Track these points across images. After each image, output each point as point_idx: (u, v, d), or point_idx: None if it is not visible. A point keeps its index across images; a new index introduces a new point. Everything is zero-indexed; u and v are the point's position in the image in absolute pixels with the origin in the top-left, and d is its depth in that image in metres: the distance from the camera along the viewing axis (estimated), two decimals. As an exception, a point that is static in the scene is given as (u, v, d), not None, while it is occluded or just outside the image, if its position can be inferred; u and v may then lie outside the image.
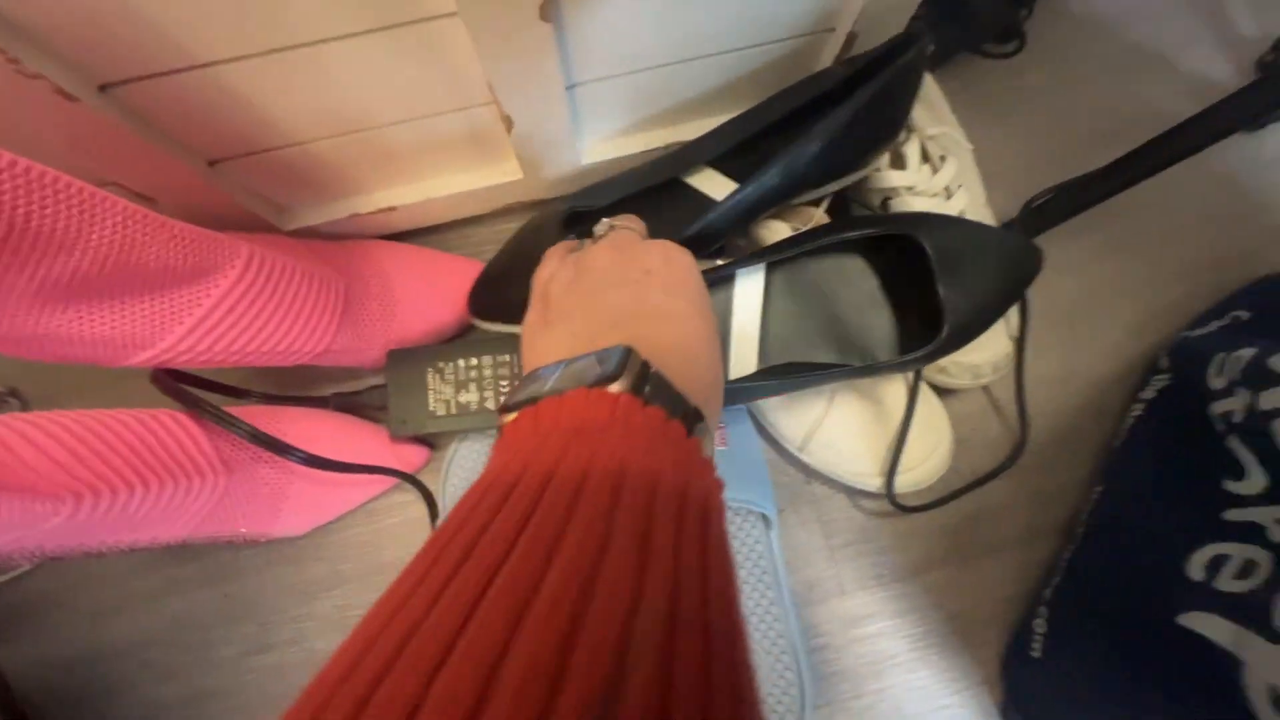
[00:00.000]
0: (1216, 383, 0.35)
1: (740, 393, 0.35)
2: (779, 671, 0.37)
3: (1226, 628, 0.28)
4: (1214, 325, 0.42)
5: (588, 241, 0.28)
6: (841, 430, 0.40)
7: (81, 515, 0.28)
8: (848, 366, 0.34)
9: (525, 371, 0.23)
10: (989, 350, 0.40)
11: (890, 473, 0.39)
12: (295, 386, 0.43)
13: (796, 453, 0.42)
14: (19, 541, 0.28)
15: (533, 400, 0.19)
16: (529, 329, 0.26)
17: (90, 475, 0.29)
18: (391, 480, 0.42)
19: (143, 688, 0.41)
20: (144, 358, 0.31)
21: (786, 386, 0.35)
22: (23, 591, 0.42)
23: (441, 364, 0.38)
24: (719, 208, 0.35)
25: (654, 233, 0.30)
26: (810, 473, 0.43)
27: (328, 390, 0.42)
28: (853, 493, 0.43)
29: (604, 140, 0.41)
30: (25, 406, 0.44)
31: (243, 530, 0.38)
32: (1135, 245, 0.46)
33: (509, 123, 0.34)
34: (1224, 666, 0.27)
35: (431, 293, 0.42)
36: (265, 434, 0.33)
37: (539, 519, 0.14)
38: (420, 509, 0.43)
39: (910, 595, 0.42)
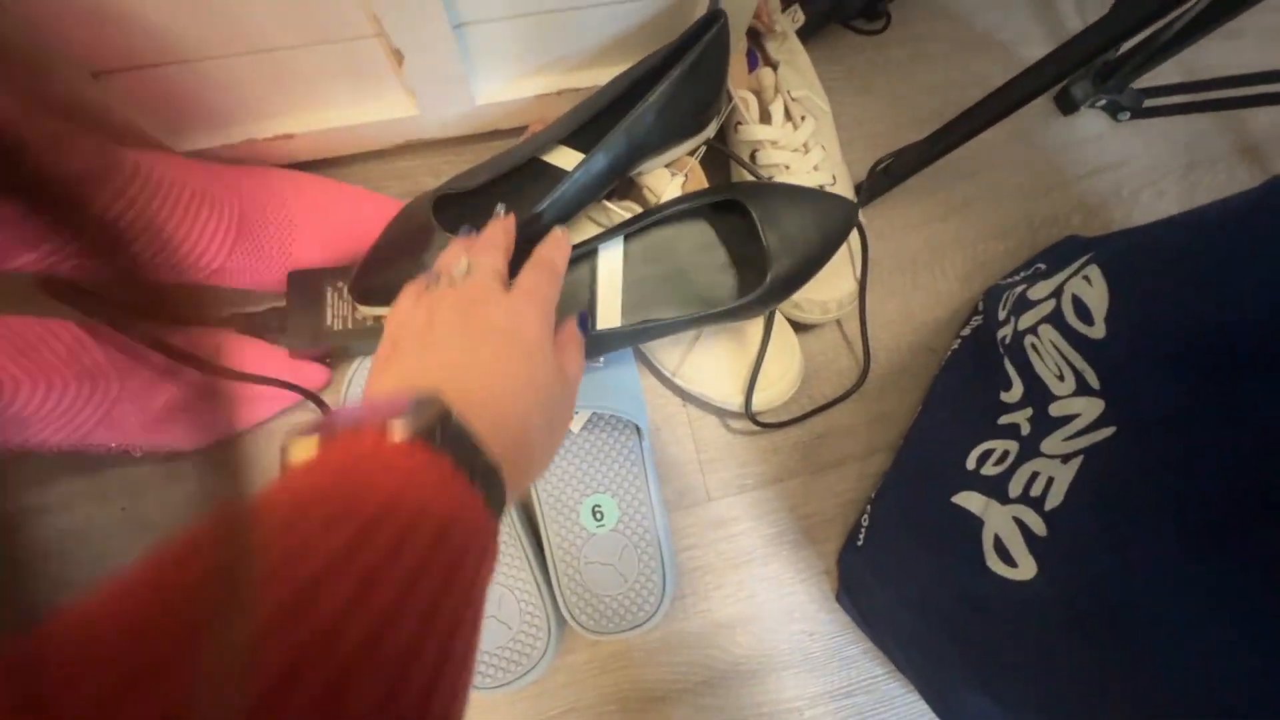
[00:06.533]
0: (1001, 314, 0.42)
1: (608, 342, 0.39)
2: (645, 562, 0.43)
3: (979, 499, 0.36)
4: (1020, 275, 0.50)
5: (444, 274, 0.29)
6: (709, 357, 0.46)
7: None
8: (689, 318, 0.38)
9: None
10: (835, 290, 0.47)
11: (749, 392, 0.45)
12: (193, 306, 0.44)
13: (671, 377, 0.47)
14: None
15: (326, 433, 0.20)
16: (374, 365, 0.28)
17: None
18: (290, 398, 0.44)
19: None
20: (26, 261, 0.32)
21: (644, 337, 0.40)
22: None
23: (340, 283, 0.41)
24: (570, 177, 0.38)
25: (520, 207, 0.33)
26: (685, 396, 0.49)
27: (227, 312, 0.44)
28: (722, 414, 0.49)
29: (499, 84, 0.44)
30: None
31: (135, 441, 0.39)
32: (968, 209, 0.54)
33: (399, 57, 0.36)
34: (973, 526, 0.35)
35: (331, 221, 0.44)
36: (162, 340, 0.35)
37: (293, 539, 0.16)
38: (322, 428, 0.45)
39: (766, 500, 0.49)
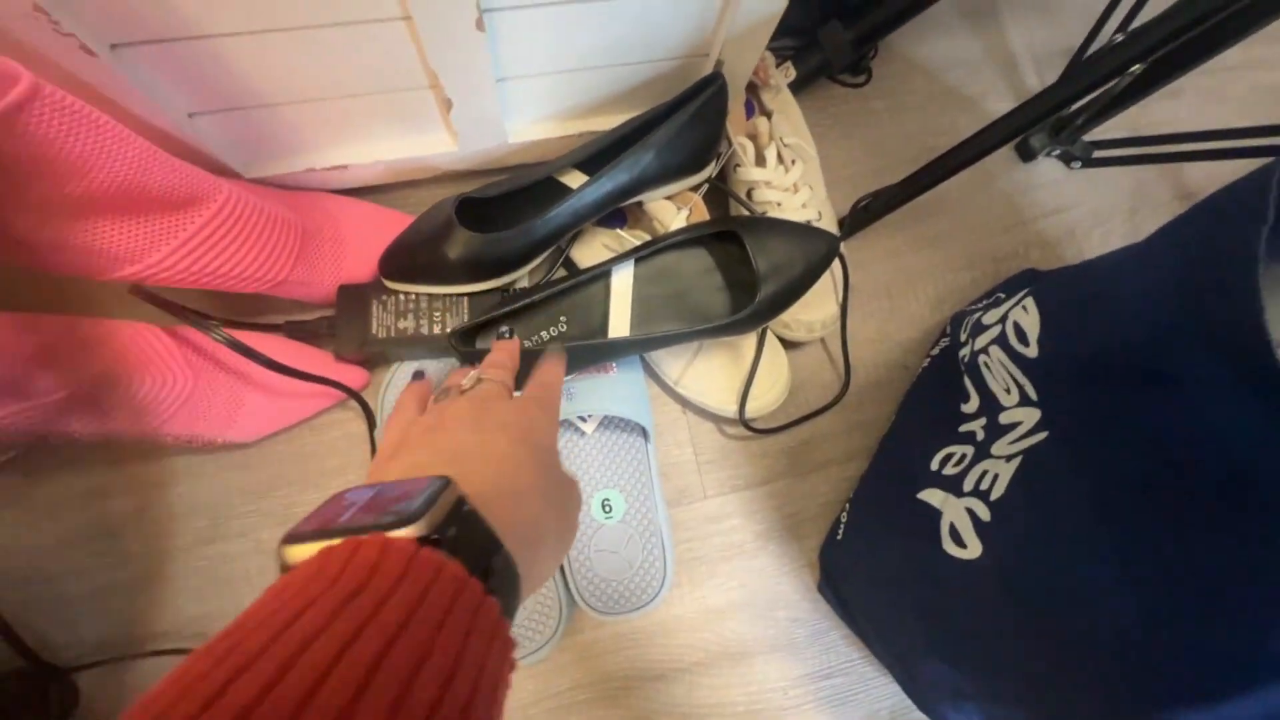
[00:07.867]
0: (962, 336, 0.48)
1: (618, 349, 0.45)
2: (649, 551, 0.48)
3: (940, 495, 0.42)
4: (983, 303, 0.56)
5: (453, 388, 0.29)
6: (707, 369, 0.52)
7: (72, 393, 0.35)
8: (689, 331, 0.44)
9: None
10: (820, 312, 0.53)
11: (742, 401, 0.51)
12: (251, 314, 0.49)
13: (674, 387, 0.53)
14: (24, 414, 0.34)
15: (326, 536, 0.18)
16: (377, 463, 0.26)
17: (77, 365, 0.35)
18: (335, 397, 0.49)
19: (96, 573, 0.47)
20: (129, 272, 0.37)
21: (649, 346, 0.46)
22: (-23, 489, 0.46)
23: (385, 296, 0.46)
24: (575, 194, 0.44)
25: (531, 216, 0.38)
26: (686, 404, 0.54)
27: (280, 319, 0.49)
28: (718, 420, 0.55)
29: (528, 125, 0.50)
30: None
31: (200, 432, 0.44)
32: (938, 243, 0.61)
33: (448, 104, 0.42)
34: (933, 517, 0.41)
35: (376, 241, 0.49)
36: (233, 338, 0.40)
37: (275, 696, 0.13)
38: (359, 425, 0.51)
39: (757, 499, 0.54)
